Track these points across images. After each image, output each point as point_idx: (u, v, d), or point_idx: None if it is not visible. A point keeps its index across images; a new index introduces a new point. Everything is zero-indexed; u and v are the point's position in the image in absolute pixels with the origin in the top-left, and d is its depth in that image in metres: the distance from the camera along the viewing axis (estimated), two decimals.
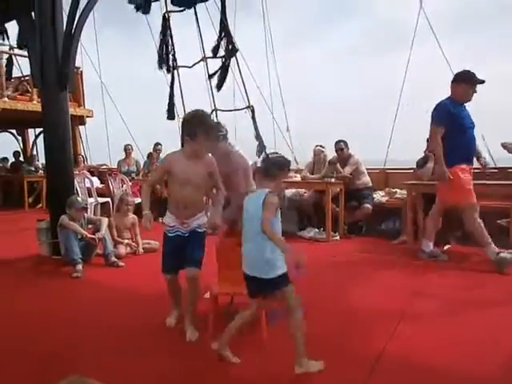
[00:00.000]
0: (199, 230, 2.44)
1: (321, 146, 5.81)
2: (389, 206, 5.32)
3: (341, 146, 5.45)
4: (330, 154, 5.68)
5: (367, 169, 5.58)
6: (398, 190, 5.45)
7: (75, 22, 4.19)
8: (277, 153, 2.60)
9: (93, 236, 4.07)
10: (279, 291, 1.97)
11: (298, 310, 1.96)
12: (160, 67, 5.55)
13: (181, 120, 2.55)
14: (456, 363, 2.05)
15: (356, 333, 2.47)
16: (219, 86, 5.28)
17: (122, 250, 4.43)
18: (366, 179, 5.46)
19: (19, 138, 10.68)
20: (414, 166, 5.04)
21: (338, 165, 5.40)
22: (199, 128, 2.31)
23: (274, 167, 2.06)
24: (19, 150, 10.33)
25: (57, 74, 4.28)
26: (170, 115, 5.65)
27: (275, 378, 2.01)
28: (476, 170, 5.13)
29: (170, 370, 2.07)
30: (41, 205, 8.45)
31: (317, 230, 5.30)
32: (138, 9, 5.02)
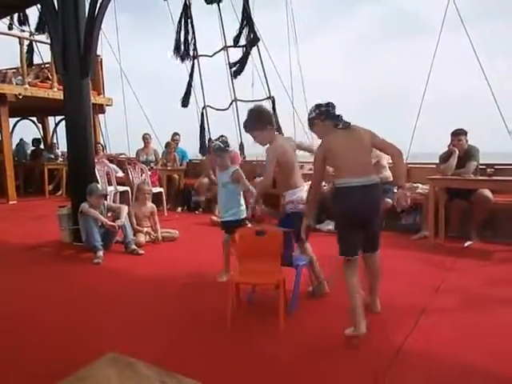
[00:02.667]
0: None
1: None
2: (410, 201, 5.21)
3: None
4: None
5: (389, 163, 5.47)
6: (419, 185, 5.34)
7: (97, 8, 4.18)
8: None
9: (113, 223, 4.10)
10: None
11: None
12: (177, 56, 5.53)
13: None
14: (476, 359, 2.03)
15: (377, 326, 2.44)
16: (236, 74, 5.23)
17: (142, 238, 4.46)
18: (387, 173, 5.35)
19: (39, 125, 10.83)
20: (437, 161, 4.94)
21: None
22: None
23: None
24: (39, 137, 10.48)
25: (79, 61, 4.29)
26: (185, 103, 5.65)
27: (290, 366, 2.01)
28: (498, 166, 5.03)
29: (188, 355, 2.08)
30: (61, 192, 8.59)
31: None
32: None
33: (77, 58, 4.27)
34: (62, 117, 7.90)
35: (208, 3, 4.92)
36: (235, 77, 5.24)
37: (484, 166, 4.81)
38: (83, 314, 2.66)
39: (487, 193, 4.45)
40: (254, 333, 2.35)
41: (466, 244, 4.46)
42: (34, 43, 8.73)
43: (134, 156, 7.67)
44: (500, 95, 5.58)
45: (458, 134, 4.67)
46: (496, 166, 5.05)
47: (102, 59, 8.72)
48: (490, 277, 3.36)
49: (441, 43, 6.02)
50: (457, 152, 4.59)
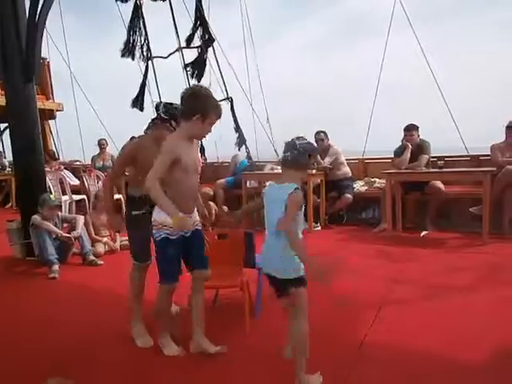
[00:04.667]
0: (198, 226, 2.17)
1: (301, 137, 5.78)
2: (368, 195, 5.38)
3: (321, 137, 5.46)
4: None
5: (346, 159, 5.61)
6: (376, 180, 5.52)
7: (39, 8, 3.95)
8: (303, 137, 1.87)
9: (68, 235, 3.91)
10: (289, 295, 1.77)
11: (304, 320, 1.78)
12: (124, 55, 5.36)
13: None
14: (436, 347, 2.09)
15: (338, 320, 2.49)
16: (199, 78, 5.16)
17: (101, 248, 4.28)
18: (346, 169, 5.49)
19: None
20: (392, 156, 5.12)
21: (319, 156, 5.40)
22: (210, 106, 1.97)
23: (304, 155, 1.77)
24: None
25: (21, 65, 4.04)
26: (137, 104, 5.50)
27: (259, 369, 1.99)
28: (447, 159, 5.31)
29: (149, 368, 2.01)
30: (10, 204, 8.09)
31: None
32: None
33: (19, 62, 4.01)
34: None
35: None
36: (199, 81, 5.17)
37: (435, 159, 5.04)
38: (38, 331, 2.50)
39: (439, 184, 4.67)
40: (219, 337, 2.31)
41: (422, 234, 4.66)
42: None
43: (90, 163, 7.36)
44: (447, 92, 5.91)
45: (410, 129, 4.87)
46: (446, 159, 5.31)
47: (49, 62, 8.30)
48: (445, 264, 3.52)
49: (392, 43, 6.27)
50: (410, 146, 4.78)
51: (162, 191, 1.89)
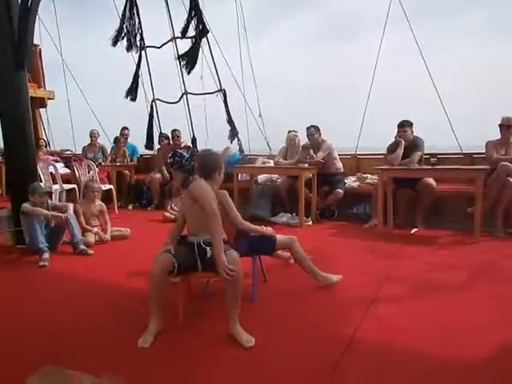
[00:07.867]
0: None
1: (294, 131, 5.78)
2: (360, 191, 5.40)
3: (312, 132, 5.45)
4: (303, 139, 5.69)
5: (339, 154, 5.62)
6: (368, 175, 5.54)
7: None
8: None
9: (59, 214, 3.88)
10: None
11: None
12: (115, 44, 5.29)
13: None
14: (426, 344, 2.10)
15: (329, 315, 2.49)
16: (189, 69, 5.12)
17: (91, 238, 4.26)
18: (339, 164, 5.51)
19: None
20: (385, 152, 5.14)
21: (311, 150, 5.40)
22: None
23: None
24: None
25: (13, 51, 3.96)
26: (132, 96, 5.45)
27: (241, 355, 1.99)
28: (440, 156, 5.35)
29: (142, 360, 2.01)
30: (0, 192, 8.00)
31: (290, 215, 5.31)
32: None
33: (10, 48, 3.94)
34: None
35: None
36: (189, 72, 5.12)
37: (428, 156, 5.07)
38: (26, 322, 2.48)
39: (431, 181, 4.69)
40: (207, 323, 2.34)
41: (413, 231, 4.69)
42: None
43: (81, 153, 7.30)
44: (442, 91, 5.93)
45: (404, 126, 4.88)
46: (439, 156, 5.36)
47: (40, 49, 8.17)
48: (435, 262, 3.52)
49: (386, 40, 6.27)
50: (403, 143, 4.79)
51: None
